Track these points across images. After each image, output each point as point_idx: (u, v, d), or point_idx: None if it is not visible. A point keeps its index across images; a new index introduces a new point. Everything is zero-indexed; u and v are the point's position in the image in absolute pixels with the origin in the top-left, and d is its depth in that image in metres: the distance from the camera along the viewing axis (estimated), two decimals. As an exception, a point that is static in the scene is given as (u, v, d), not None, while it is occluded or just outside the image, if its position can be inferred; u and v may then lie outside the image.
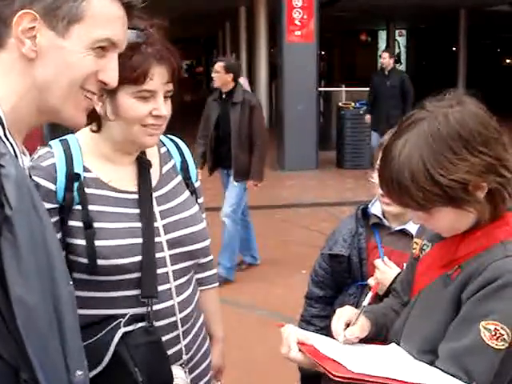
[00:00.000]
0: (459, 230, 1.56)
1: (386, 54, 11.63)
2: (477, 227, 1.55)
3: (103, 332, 1.73)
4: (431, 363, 1.51)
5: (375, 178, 2.27)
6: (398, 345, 1.66)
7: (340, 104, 13.50)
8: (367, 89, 14.81)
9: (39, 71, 1.20)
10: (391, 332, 1.76)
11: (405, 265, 2.23)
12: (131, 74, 1.71)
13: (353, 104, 13.14)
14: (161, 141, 2.03)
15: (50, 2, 1.17)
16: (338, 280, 2.49)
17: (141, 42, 1.72)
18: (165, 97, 1.83)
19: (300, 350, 1.61)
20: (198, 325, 2.04)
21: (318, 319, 2.56)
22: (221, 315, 2.27)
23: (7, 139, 1.16)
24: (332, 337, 1.74)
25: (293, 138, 12.42)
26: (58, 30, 1.19)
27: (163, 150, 2.03)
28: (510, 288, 1.43)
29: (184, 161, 2.06)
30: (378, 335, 1.79)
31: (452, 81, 25.57)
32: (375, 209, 2.42)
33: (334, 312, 2.34)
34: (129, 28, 1.31)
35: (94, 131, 1.87)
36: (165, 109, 1.81)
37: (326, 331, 2.43)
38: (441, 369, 1.47)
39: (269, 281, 6.50)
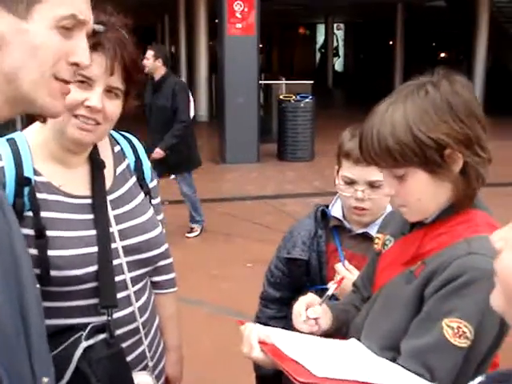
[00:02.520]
0: (427, 211, 1.55)
1: (150, 53, 7.11)
2: (441, 220, 1.54)
3: (64, 345, 1.65)
4: (393, 360, 1.50)
5: (344, 190, 2.22)
6: (359, 340, 1.65)
7: (281, 97, 13.53)
8: (307, 82, 14.97)
9: (4, 59, 1.11)
10: (351, 327, 1.75)
11: None
12: None
13: (293, 97, 13.18)
14: (114, 139, 1.93)
15: None
16: (296, 282, 2.40)
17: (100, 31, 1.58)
18: (110, 93, 1.71)
19: (262, 350, 1.57)
20: (154, 327, 1.99)
21: (274, 321, 2.45)
22: (177, 321, 2.18)
23: None
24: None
25: (234, 131, 12.37)
26: (18, 13, 1.11)
27: (117, 148, 1.93)
28: (473, 285, 1.42)
29: (138, 160, 1.96)
30: (339, 331, 1.77)
31: (389, 74, 25.99)
32: (335, 210, 2.34)
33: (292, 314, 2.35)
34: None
35: (41, 122, 1.71)
36: (99, 102, 1.67)
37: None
38: (403, 366, 1.46)
39: (214, 275, 6.45)
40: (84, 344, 1.66)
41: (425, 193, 1.53)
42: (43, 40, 1.13)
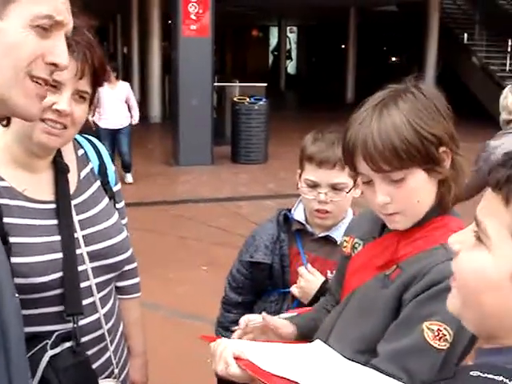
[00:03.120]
0: (421, 214, 1.56)
1: None
2: (418, 225, 1.55)
3: (29, 354, 1.59)
4: (366, 363, 1.50)
5: (307, 193, 2.23)
6: (325, 342, 1.64)
7: (235, 99, 13.53)
8: (261, 84, 15.00)
9: None
10: (319, 329, 1.75)
11: (329, 272, 2.23)
12: None
13: (247, 99, 13.20)
14: (78, 142, 1.90)
15: None
16: (258, 286, 2.41)
17: None
18: (77, 96, 1.68)
19: (239, 366, 1.53)
20: (119, 332, 1.96)
21: (236, 325, 2.47)
22: (142, 327, 2.16)
23: None
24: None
25: (187, 133, 12.32)
26: None
27: (80, 152, 1.89)
28: None
29: (102, 163, 1.93)
30: (306, 338, 1.77)
31: (341, 77, 26.25)
32: (298, 214, 2.34)
33: None
34: None
35: (3, 125, 1.66)
36: (67, 105, 1.65)
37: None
38: (380, 368, 1.45)
39: (169, 278, 6.40)
40: (50, 352, 1.62)
41: (424, 193, 1.54)
42: (18, 39, 1.11)
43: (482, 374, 0.98)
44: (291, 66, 40.12)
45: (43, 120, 1.64)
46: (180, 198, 10.05)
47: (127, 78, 17.55)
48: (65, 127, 1.68)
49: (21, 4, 1.11)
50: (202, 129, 12.36)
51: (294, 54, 41.27)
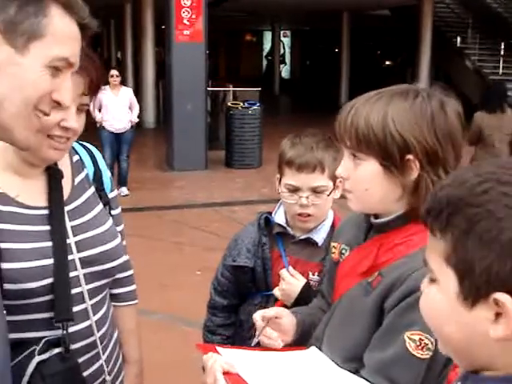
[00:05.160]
0: (371, 204, 1.58)
1: None
2: (396, 230, 1.55)
3: (15, 361, 1.58)
4: (356, 371, 1.51)
5: (288, 198, 2.24)
6: (319, 349, 1.65)
7: (229, 104, 13.54)
8: (255, 89, 15.02)
9: None
10: (313, 336, 1.76)
11: (310, 274, 2.24)
12: None
13: (241, 104, 13.21)
14: (73, 148, 1.90)
15: (12, 17, 1.09)
16: (242, 289, 2.42)
17: None
18: (78, 109, 1.69)
19: (226, 380, 1.53)
20: (113, 340, 1.95)
21: (222, 328, 2.50)
22: (138, 335, 2.14)
23: None
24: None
25: (181, 138, 12.32)
26: (16, 46, 1.11)
27: (75, 158, 1.89)
28: None
29: (97, 170, 1.93)
30: (306, 335, 1.79)
31: (335, 81, 26.29)
32: (278, 217, 2.35)
33: (240, 321, 2.35)
34: None
35: None
36: (75, 122, 1.66)
37: (233, 339, 2.43)
38: (366, 379, 1.46)
39: (163, 283, 6.40)
40: (37, 358, 1.61)
41: (374, 185, 1.54)
42: (35, 77, 1.15)
43: None
44: (285, 71, 40.17)
45: (50, 136, 1.65)
46: (174, 203, 10.04)
47: (121, 83, 17.55)
48: (68, 139, 1.69)
49: (45, 43, 1.14)
50: (195, 134, 12.36)
51: (287, 59, 41.32)
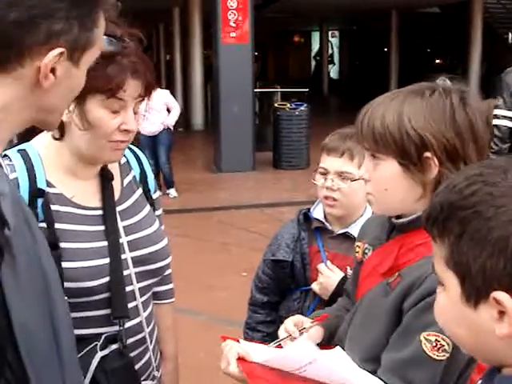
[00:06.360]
0: (392, 205, 1.57)
1: None
2: (417, 230, 1.53)
3: (79, 355, 1.61)
4: (374, 372, 1.50)
5: (318, 180, 2.28)
6: (343, 349, 1.64)
7: (276, 105, 13.53)
8: (302, 89, 14.99)
9: (48, 98, 1.13)
10: (336, 336, 1.76)
11: (348, 268, 2.24)
12: (106, 85, 1.62)
13: (288, 105, 13.19)
14: None
15: (76, 36, 1.11)
16: (282, 285, 2.46)
17: (116, 52, 1.58)
18: (134, 112, 1.74)
19: (238, 366, 1.59)
20: (155, 336, 2.00)
21: (263, 325, 2.54)
22: (175, 332, 2.19)
23: None
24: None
25: (229, 140, 12.37)
26: (74, 60, 1.13)
27: (123, 160, 1.94)
28: None
29: (143, 172, 1.98)
30: (333, 336, 1.79)
31: (385, 80, 26.05)
32: (317, 213, 2.40)
33: (280, 318, 2.36)
34: (105, 34, 1.24)
35: (56, 139, 1.74)
36: (134, 124, 1.72)
37: (273, 336, 2.43)
38: (382, 379, 1.45)
39: (210, 284, 6.44)
40: (100, 354, 1.68)
41: (393, 185, 1.53)
42: (81, 81, 1.19)
43: None
44: (334, 71, 39.99)
45: (112, 141, 1.70)
46: (222, 204, 10.09)
47: (170, 86, 17.73)
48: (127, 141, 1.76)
49: (93, 50, 1.17)
50: (243, 135, 12.40)
51: (336, 59, 41.13)
